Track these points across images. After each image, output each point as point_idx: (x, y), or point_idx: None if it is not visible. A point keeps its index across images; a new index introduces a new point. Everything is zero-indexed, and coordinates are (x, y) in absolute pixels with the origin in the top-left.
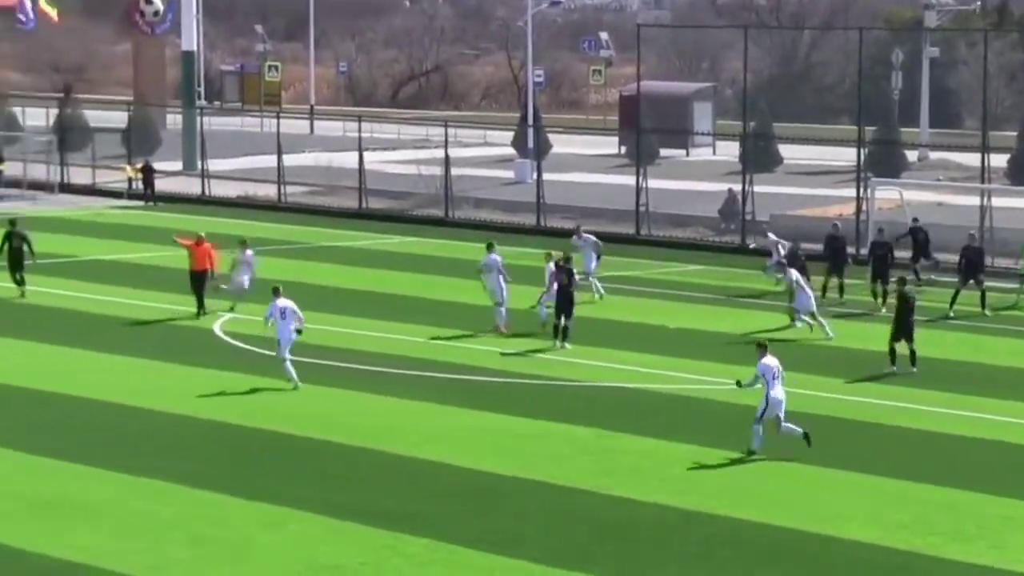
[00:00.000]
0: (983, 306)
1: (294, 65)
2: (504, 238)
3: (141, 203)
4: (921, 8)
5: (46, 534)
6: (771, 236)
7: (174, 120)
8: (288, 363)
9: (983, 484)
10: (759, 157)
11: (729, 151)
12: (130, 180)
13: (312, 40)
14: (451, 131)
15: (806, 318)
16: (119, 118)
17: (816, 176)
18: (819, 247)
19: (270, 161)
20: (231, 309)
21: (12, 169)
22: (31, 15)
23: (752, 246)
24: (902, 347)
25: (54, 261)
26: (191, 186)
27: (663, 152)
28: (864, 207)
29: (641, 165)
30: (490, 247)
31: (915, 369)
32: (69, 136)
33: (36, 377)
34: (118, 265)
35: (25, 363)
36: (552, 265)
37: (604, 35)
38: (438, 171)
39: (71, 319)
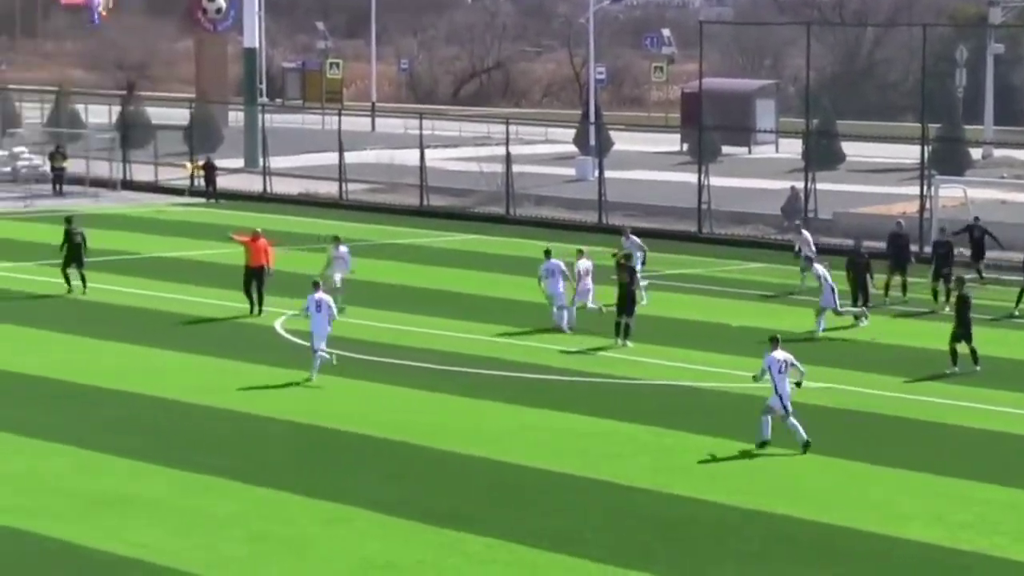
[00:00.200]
0: None
1: (356, 62)
2: (565, 236)
3: (203, 200)
4: (985, 5)
5: (105, 530)
6: (804, 233)
7: (236, 117)
8: (318, 355)
9: None
10: (822, 155)
11: (792, 148)
12: (192, 177)
13: (374, 37)
14: (512, 128)
15: (818, 316)
16: (181, 115)
17: (879, 174)
18: (882, 245)
19: (331, 158)
20: (297, 314)
21: (75, 166)
22: (96, 13)
23: (797, 250)
24: (963, 348)
25: (116, 258)
26: (252, 183)
27: (725, 149)
28: (927, 205)
29: (703, 163)
30: (548, 254)
31: (978, 368)
32: (132, 133)
33: (97, 374)
34: (179, 262)
35: (86, 360)
36: (584, 262)
37: (666, 32)
38: (499, 168)
39: (132, 316)
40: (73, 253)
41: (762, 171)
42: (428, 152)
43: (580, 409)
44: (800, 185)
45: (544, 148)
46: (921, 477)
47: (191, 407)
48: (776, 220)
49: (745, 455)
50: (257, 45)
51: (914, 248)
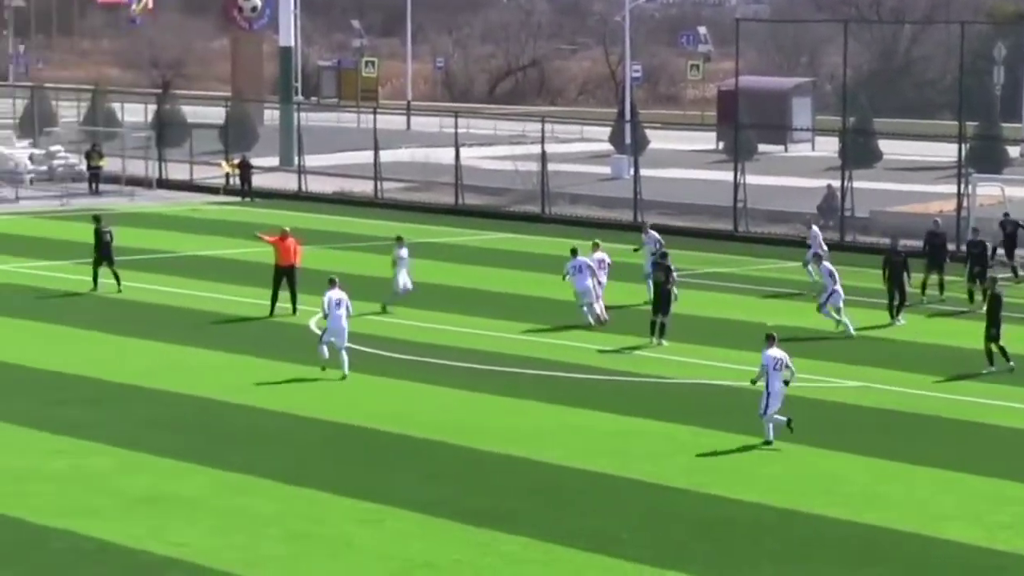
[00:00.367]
0: None
1: (391, 60)
2: (601, 234)
3: (238, 199)
4: None
5: (144, 530)
6: (814, 229)
7: (271, 116)
8: (323, 348)
9: None
10: (859, 153)
11: (828, 147)
12: (227, 176)
13: (409, 35)
14: (548, 127)
15: (833, 313)
16: (217, 114)
17: (916, 172)
18: (919, 244)
19: (367, 157)
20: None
21: (111, 165)
22: (135, 12)
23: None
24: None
25: (151, 257)
26: (288, 182)
27: (761, 148)
28: (965, 203)
29: (739, 161)
30: (574, 252)
31: (1011, 364)
32: (167, 132)
33: (135, 373)
34: (215, 261)
35: (124, 359)
36: (598, 255)
37: (702, 30)
38: (534, 167)
39: (169, 315)
40: (104, 252)
41: (798, 169)
42: (463, 151)
43: (616, 408)
44: (836, 183)
45: (579, 146)
46: (959, 477)
47: (229, 406)
48: (812, 219)
49: (783, 455)
50: (293, 43)
51: (951, 247)
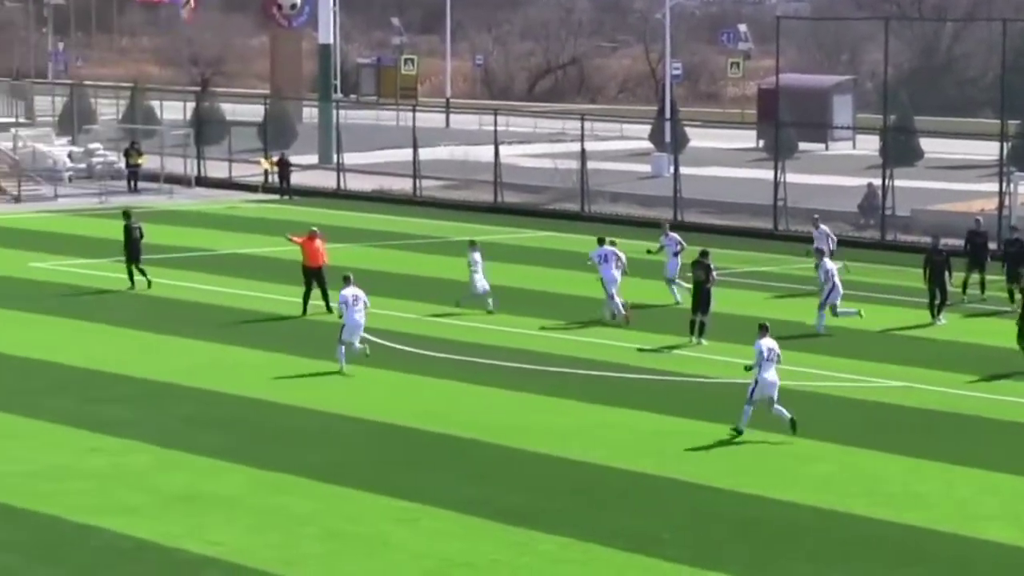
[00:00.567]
0: None
1: (430, 58)
2: (640, 233)
3: (276, 197)
4: None
5: (181, 528)
6: (823, 227)
7: (310, 113)
8: (342, 349)
9: None
10: (900, 151)
11: (869, 145)
12: (266, 173)
13: (449, 33)
14: (587, 124)
15: (828, 311)
16: (255, 111)
17: (958, 170)
18: (961, 243)
19: (405, 155)
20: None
21: (150, 162)
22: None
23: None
24: None
25: (190, 255)
26: (326, 180)
27: (802, 146)
28: (1007, 202)
29: (779, 159)
30: (601, 241)
31: None
32: (206, 130)
33: (174, 371)
34: (254, 259)
35: (163, 357)
36: (600, 250)
37: (743, 27)
38: (574, 165)
39: (207, 313)
40: (132, 248)
41: (839, 168)
42: (502, 148)
43: (656, 408)
44: (877, 182)
45: (619, 144)
46: (1000, 477)
47: (267, 404)
48: (853, 217)
49: (824, 455)
50: (332, 41)
51: (992, 246)
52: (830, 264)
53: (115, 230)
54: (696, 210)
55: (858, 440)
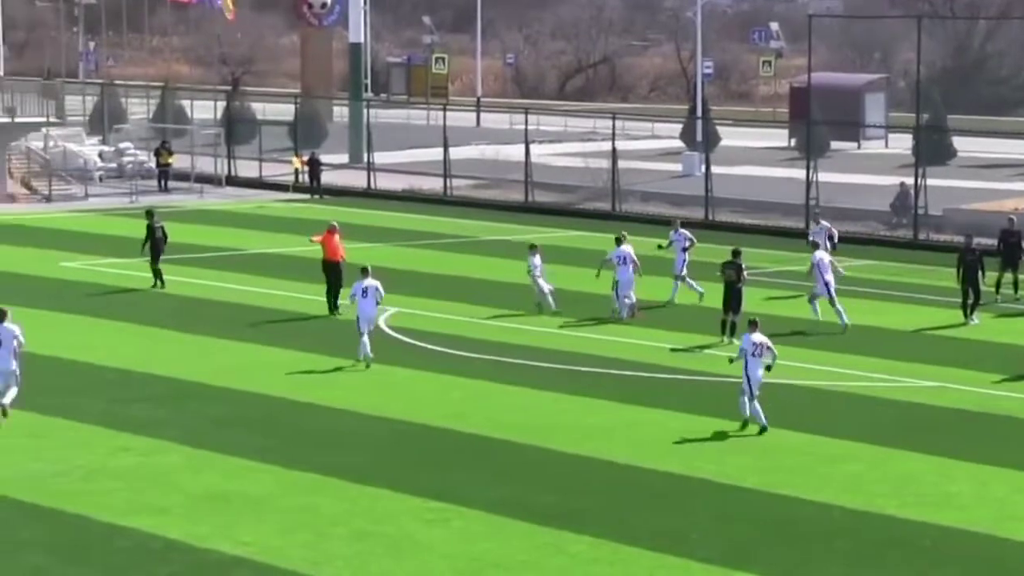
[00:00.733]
0: None
1: (461, 57)
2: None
3: (307, 196)
4: None
5: (211, 528)
6: (823, 223)
7: (341, 112)
8: (365, 338)
9: None
10: (932, 150)
11: (901, 144)
12: (296, 173)
13: (479, 31)
14: (618, 123)
15: (816, 305)
16: (286, 111)
17: (991, 169)
18: (994, 242)
19: (436, 154)
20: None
21: (180, 162)
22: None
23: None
24: None
25: (220, 254)
26: (357, 179)
27: (834, 145)
28: None
29: (811, 158)
30: (619, 241)
31: None
32: (236, 129)
33: (204, 371)
34: (284, 258)
35: (191, 357)
36: (619, 251)
37: (775, 26)
38: (605, 164)
39: (235, 312)
40: (153, 247)
41: (871, 167)
42: (533, 148)
43: (686, 408)
44: (910, 181)
45: (650, 144)
46: None
47: (297, 404)
48: (885, 216)
49: (856, 454)
50: (362, 40)
51: None
52: (819, 255)
53: (146, 229)
54: (727, 209)
55: (890, 440)
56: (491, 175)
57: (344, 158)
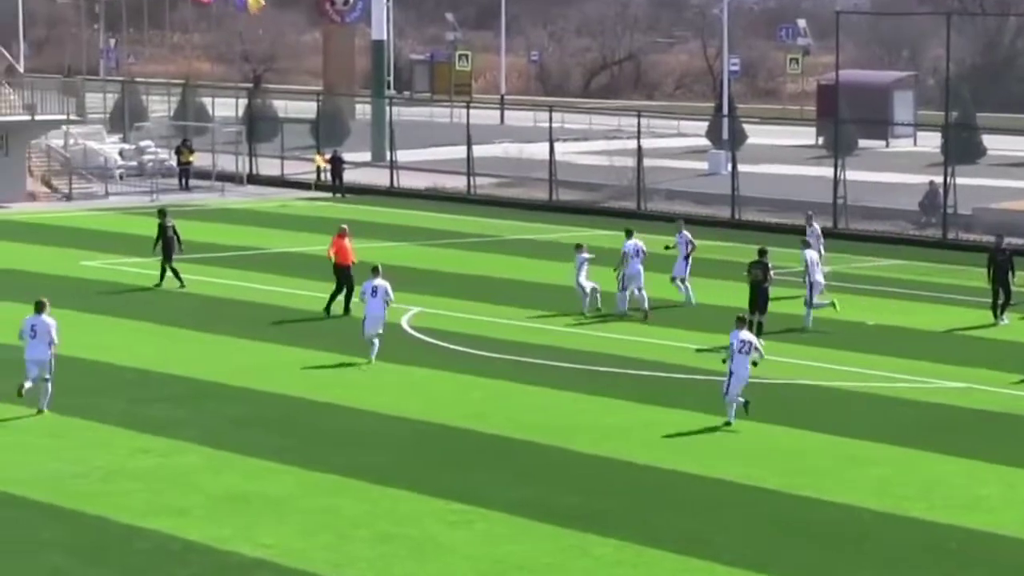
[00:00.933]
0: None
1: (485, 54)
2: (698, 231)
3: (329, 195)
4: None
5: (231, 530)
6: (815, 225)
7: (363, 110)
8: (374, 339)
9: None
10: (962, 148)
11: (930, 142)
12: (319, 171)
13: (503, 28)
14: (644, 121)
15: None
16: (308, 108)
17: (1021, 168)
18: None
19: (459, 152)
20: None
21: (201, 160)
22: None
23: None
24: None
25: (242, 253)
26: (380, 177)
27: (862, 143)
28: None
29: (839, 156)
30: (629, 234)
31: None
32: (258, 127)
33: (224, 371)
34: (306, 258)
35: (211, 357)
36: (631, 244)
37: (802, 23)
38: (630, 162)
39: (257, 312)
40: (165, 246)
41: (900, 165)
42: (557, 146)
43: (711, 409)
44: (939, 180)
45: (676, 142)
46: None
47: (318, 405)
48: (914, 215)
49: (881, 456)
50: (385, 37)
51: None
52: (810, 254)
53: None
54: (754, 208)
55: (916, 442)
56: (515, 173)
57: (367, 156)
